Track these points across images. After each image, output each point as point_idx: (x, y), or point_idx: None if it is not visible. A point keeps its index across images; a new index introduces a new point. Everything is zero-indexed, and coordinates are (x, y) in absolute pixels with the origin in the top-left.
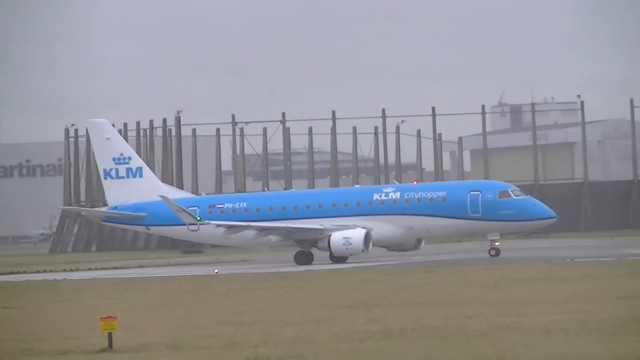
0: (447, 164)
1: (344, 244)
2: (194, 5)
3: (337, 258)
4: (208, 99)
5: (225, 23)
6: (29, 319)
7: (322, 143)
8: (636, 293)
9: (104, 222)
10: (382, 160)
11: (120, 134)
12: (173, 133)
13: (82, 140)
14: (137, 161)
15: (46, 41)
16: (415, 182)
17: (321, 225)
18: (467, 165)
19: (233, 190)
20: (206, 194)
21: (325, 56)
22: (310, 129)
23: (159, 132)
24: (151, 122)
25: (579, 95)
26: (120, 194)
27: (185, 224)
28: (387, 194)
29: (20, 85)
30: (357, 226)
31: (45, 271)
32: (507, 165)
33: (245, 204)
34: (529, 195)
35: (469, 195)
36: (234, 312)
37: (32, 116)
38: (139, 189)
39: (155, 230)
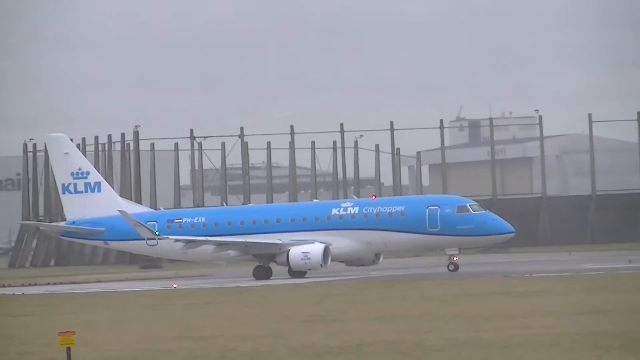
0: (405, 179)
1: (302, 259)
2: (150, 20)
3: (296, 273)
4: (166, 114)
5: (182, 37)
6: None
7: (281, 158)
8: (594, 308)
9: (62, 237)
10: (340, 175)
11: (79, 149)
12: (131, 148)
13: (40, 155)
14: (95, 176)
15: (1, 52)
16: (373, 197)
17: (280, 240)
18: (425, 180)
19: (191, 205)
20: (164, 209)
21: (283, 70)
22: (269, 143)
23: (117, 146)
24: (109, 136)
25: (537, 110)
26: (79, 208)
27: (143, 239)
28: (345, 209)
29: None
30: (315, 241)
31: (3, 286)
32: (466, 179)
33: (203, 219)
34: (488, 210)
35: (427, 210)
36: (193, 327)
37: None
38: (97, 203)
39: (114, 245)
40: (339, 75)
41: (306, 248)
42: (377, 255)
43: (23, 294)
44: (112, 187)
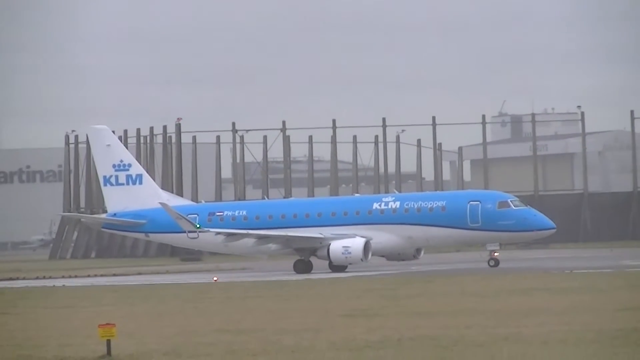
0: (447, 174)
1: (343, 253)
2: (193, 14)
3: (336, 267)
4: (208, 107)
5: (226, 32)
6: (28, 326)
7: (322, 151)
8: (635, 305)
9: (103, 229)
10: (382, 170)
11: (121, 141)
12: (173, 140)
13: (82, 147)
14: (137, 168)
15: (46, 48)
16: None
17: (320, 234)
18: (467, 175)
19: (233, 198)
20: (206, 202)
21: (326, 65)
22: (311, 137)
23: (159, 139)
24: (151, 129)
25: (579, 106)
26: (120, 200)
27: (184, 232)
28: (386, 203)
29: (21, 92)
30: (356, 235)
31: (44, 277)
32: (507, 175)
33: (244, 212)
34: (529, 206)
35: (468, 205)
36: (233, 320)
37: (32, 122)
38: (139, 196)
39: (155, 237)
40: (381, 70)
41: (347, 242)
42: (418, 250)
43: (64, 285)
44: (154, 180)
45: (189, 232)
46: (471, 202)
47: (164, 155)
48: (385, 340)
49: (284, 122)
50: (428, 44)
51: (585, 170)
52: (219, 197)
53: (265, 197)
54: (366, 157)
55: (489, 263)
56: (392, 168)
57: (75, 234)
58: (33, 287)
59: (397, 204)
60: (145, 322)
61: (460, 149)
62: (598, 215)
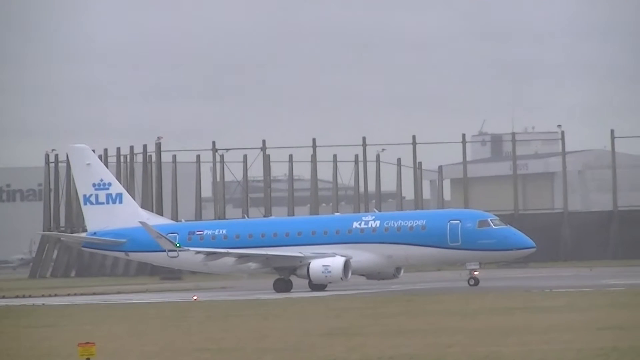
0: (427, 193)
1: (323, 272)
2: (173, 31)
3: (316, 286)
4: (188, 126)
5: (201, 49)
6: (8, 345)
7: (303, 170)
8: (615, 324)
9: (83, 248)
10: (362, 189)
11: (101, 160)
12: (153, 159)
13: (62, 166)
14: (117, 187)
15: (25, 66)
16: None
17: (300, 253)
18: (447, 194)
19: (213, 217)
20: (186, 221)
21: (305, 84)
22: (291, 156)
23: (139, 158)
24: (131, 148)
25: (559, 125)
26: (100, 219)
27: (164, 251)
28: (366, 222)
29: (0, 111)
30: (336, 254)
31: (24, 296)
32: (487, 194)
33: (224, 231)
34: (509, 225)
35: (448, 224)
36: (213, 339)
37: (12, 141)
38: (119, 215)
39: (135, 256)
40: (361, 89)
41: (327, 261)
42: (398, 269)
43: (44, 304)
44: (134, 199)
45: (169, 251)
46: (451, 221)
47: (144, 174)
48: (366, 359)
49: (264, 141)
50: (408, 62)
51: (565, 189)
52: (199, 216)
53: (245, 216)
54: (346, 176)
55: (469, 282)
56: (372, 187)
57: (56, 252)
58: (13, 306)
59: (377, 223)
60: (126, 341)
61: (440, 168)
62: (578, 234)
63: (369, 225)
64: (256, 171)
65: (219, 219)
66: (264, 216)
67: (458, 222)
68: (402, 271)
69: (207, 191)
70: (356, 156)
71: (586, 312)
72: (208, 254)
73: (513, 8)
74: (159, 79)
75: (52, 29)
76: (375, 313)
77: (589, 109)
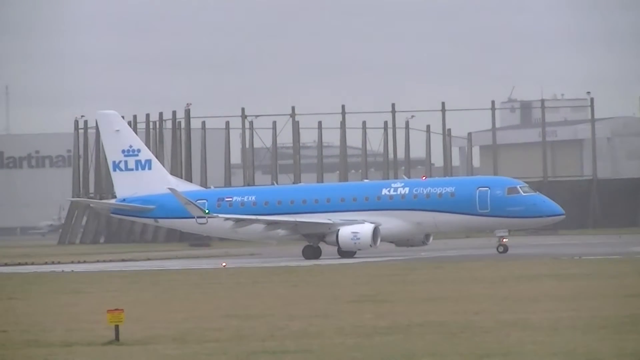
0: (456, 160)
1: (352, 239)
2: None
3: (345, 253)
4: (218, 93)
5: (227, 17)
6: (36, 310)
7: (332, 137)
8: None
9: (112, 214)
10: (391, 155)
11: (130, 126)
12: (182, 126)
13: (91, 132)
14: (146, 153)
15: (55, 34)
16: (424, 178)
17: (329, 219)
18: (476, 161)
19: (242, 184)
20: (215, 187)
21: (335, 51)
22: (320, 123)
23: (168, 124)
24: (160, 114)
25: (588, 92)
26: (129, 186)
27: (193, 217)
28: (395, 189)
29: (30, 78)
30: (365, 221)
31: (53, 263)
32: (516, 161)
33: (253, 198)
34: (538, 192)
35: (477, 192)
36: (241, 306)
37: (41, 107)
38: (148, 181)
39: (164, 222)
40: (390, 57)
41: (356, 228)
42: (427, 236)
43: (72, 271)
44: (163, 165)
45: (198, 217)
46: (480, 188)
47: (173, 141)
48: (394, 326)
49: (293, 108)
50: (437, 32)
51: (594, 156)
52: (228, 183)
53: (275, 182)
54: (375, 143)
55: (497, 249)
56: (401, 154)
57: (85, 219)
58: (42, 272)
59: (406, 189)
60: (154, 308)
61: (469, 134)
62: (607, 202)
63: (398, 192)
64: (285, 138)
65: (248, 185)
66: (293, 183)
67: (487, 189)
68: (431, 238)
69: (236, 158)
70: (385, 123)
71: (614, 279)
72: (237, 220)
73: None
74: (186, 48)
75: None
76: (404, 280)
77: (617, 76)
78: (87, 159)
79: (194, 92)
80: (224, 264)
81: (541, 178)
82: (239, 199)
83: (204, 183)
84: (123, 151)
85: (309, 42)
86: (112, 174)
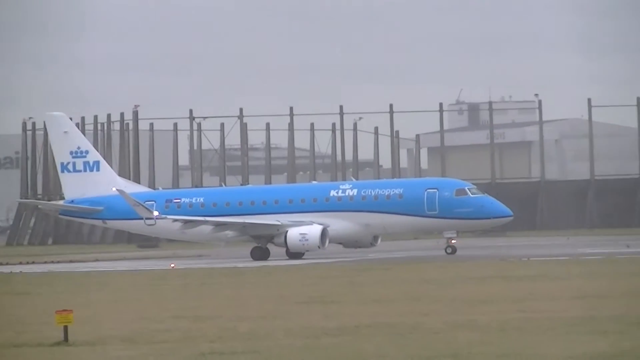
0: (404, 162)
1: (300, 240)
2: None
3: (294, 254)
4: (165, 94)
5: (179, 18)
6: None
7: (280, 139)
8: (591, 292)
9: (60, 216)
10: (339, 157)
11: (78, 128)
12: (130, 127)
13: (39, 134)
14: (94, 155)
15: (3, 34)
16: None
17: (278, 221)
18: (424, 163)
19: (190, 185)
20: (163, 189)
21: (283, 53)
22: (268, 124)
23: (116, 126)
24: (109, 116)
25: (536, 94)
26: (77, 187)
27: (142, 218)
28: (344, 191)
29: None
30: (313, 222)
31: (1, 264)
32: (465, 163)
33: (202, 199)
34: (486, 194)
35: (426, 193)
36: (190, 307)
37: None
38: (96, 182)
39: (112, 224)
40: (338, 58)
41: (304, 229)
42: (375, 238)
43: (21, 272)
44: (111, 167)
45: (146, 219)
46: (428, 190)
47: (121, 142)
48: (343, 327)
49: (241, 109)
50: (384, 31)
51: (542, 158)
52: (176, 184)
53: (223, 184)
54: (323, 144)
55: (446, 251)
56: (349, 156)
57: (33, 220)
58: None
59: (355, 191)
60: (102, 309)
61: (417, 136)
62: (555, 203)
63: (347, 194)
64: (233, 139)
65: (196, 187)
66: (241, 184)
67: (435, 190)
68: (379, 240)
69: (184, 159)
70: (333, 125)
71: (562, 280)
72: (185, 221)
73: None
74: (134, 49)
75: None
76: (352, 281)
77: (565, 78)
78: (35, 161)
79: (142, 94)
80: (172, 265)
81: (489, 180)
82: (187, 200)
83: (152, 184)
84: (71, 153)
85: (256, 43)
86: (60, 175)
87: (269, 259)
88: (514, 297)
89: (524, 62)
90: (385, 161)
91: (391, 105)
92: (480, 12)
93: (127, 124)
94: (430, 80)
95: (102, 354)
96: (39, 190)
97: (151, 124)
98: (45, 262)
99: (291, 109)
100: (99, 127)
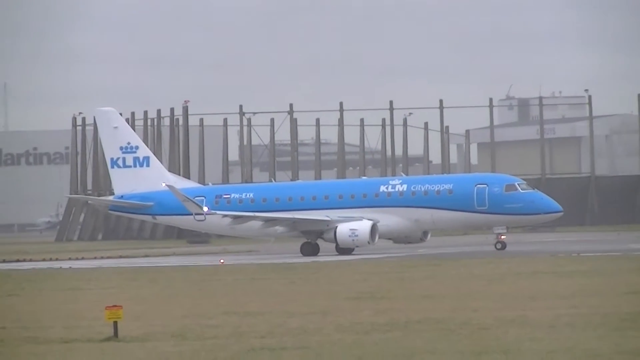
0: (454, 157)
1: (350, 236)
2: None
3: (343, 250)
4: (216, 90)
5: (232, 16)
6: (35, 307)
7: (330, 134)
8: None
9: (110, 211)
10: (389, 153)
11: (128, 123)
12: (180, 123)
13: (89, 129)
14: (144, 150)
15: (52, 32)
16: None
17: (327, 216)
18: (474, 159)
19: (240, 181)
20: (213, 184)
21: (333, 49)
22: (318, 120)
23: (166, 121)
24: (159, 111)
25: (586, 90)
26: (127, 183)
27: (191, 214)
28: (393, 186)
29: (28, 75)
30: (363, 218)
31: (51, 259)
32: (514, 158)
33: (251, 195)
34: (536, 189)
35: (475, 188)
36: (240, 303)
37: (40, 105)
38: (146, 178)
39: (162, 219)
40: (389, 54)
41: (354, 225)
42: (425, 233)
43: (70, 268)
44: (161, 162)
45: (196, 214)
46: (478, 185)
47: (171, 138)
48: (392, 323)
49: (291, 105)
50: (434, 29)
51: (592, 153)
52: (226, 180)
53: (272, 179)
54: (373, 140)
55: (495, 246)
56: (399, 151)
57: (82, 216)
58: (40, 269)
59: (404, 186)
60: (152, 305)
61: (467, 132)
62: (605, 199)
63: (396, 189)
64: (283, 135)
65: (246, 182)
66: (291, 180)
67: (485, 186)
68: (429, 235)
69: (234, 155)
70: (383, 120)
71: (613, 276)
72: (235, 217)
73: None
74: (184, 46)
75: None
76: (402, 277)
77: (616, 74)
78: (85, 156)
79: (192, 90)
80: (222, 261)
81: (539, 175)
82: (237, 196)
83: (201, 180)
84: (121, 148)
85: (307, 40)
86: (110, 170)
87: (319, 254)
88: (564, 293)
89: (574, 58)
90: (435, 157)
91: (441, 101)
92: (530, 8)
93: (177, 119)
94: (480, 75)
95: (152, 349)
96: (89, 186)
97: (201, 120)
98: (95, 258)
99: (341, 104)
100: (149, 123)
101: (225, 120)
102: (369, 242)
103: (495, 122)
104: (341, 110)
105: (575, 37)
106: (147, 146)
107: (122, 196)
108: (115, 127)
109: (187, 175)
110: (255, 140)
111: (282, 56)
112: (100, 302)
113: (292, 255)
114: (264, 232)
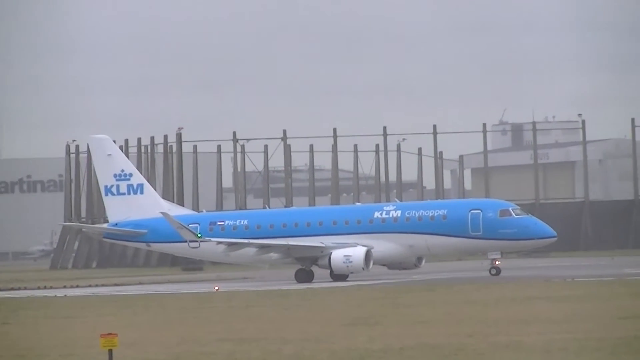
0: (448, 182)
1: (344, 262)
2: (190, 23)
3: (338, 276)
4: (209, 117)
5: (224, 40)
6: (29, 335)
7: (323, 160)
8: (637, 313)
9: (104, 239)
10: (383, 178)
11: (122, 151)
12: (174, 150)
13: (83, 157)
14: (138, 178)
15: (45, 58)
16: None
17: (322, 243)
18: (468, 184)
19: (234, 207)
20: (207, 211)
21: (326, 75)
22: (311, 146)
23: (160, 148)
24: (152, 138)
25: (580, 114)
26: (121, 210)
27: (186, 241)
28: (387, 212)
29: (21, 102)
30: (357, 244)
31: (45, 287)
32: (508, 183)
33: (246, 221)
34: (530, 214)
35: (469, 214)
36: (235, 330)
37: (33, 132)
38: (140, 205)
39: (156, 247)
40: (382, 79)
41: (348, 251)
42: (419, 259)
43: (65, 295)
44: (155, 189)
45: (190, 241)
46: (472, 211)
47: (165, 165)
48: (387, 349)
49: (284, 131)
50: (427, 53)
51: (586, 178)
52: (220, 207)
53: (267, 206)
54: (367, 166)
55: (490, 271)
56: (393, 177)
57: (77, 243)
58: (34, 297)
59: (399, 212)
60: (147, 332)
61: (461, 157)
62: (599, 224)
63: (390, 215)
64: (277, 161)
65: (240, 209)
66: (285, 206)
67: (479, 211)
68: (423, 261)
69: (227, 181)
70: (377, 146)
71: (607, 301)
72: (229, 244)
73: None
74: (179, 71)
75: (71, 19)
76: (397, 303)
77: (609, 98)
78: (78, 184)
79: (185, 116)
80: (216, 288)
81: (533, 200)
82: (231, 222)
83: (195, 207)
84: (115, 175)
85: (299, 65)
86: (104, 198)
87: (313, 281)
88: (559, 318)
89: (567, 82)
90: (429, 182)
91: (434, 126)
92: (522, 34)
93: (171, 146)
94: (473, 100)
95: None
96: (83, 213)
97: (195, 147)
98: (90, 286)
99: (334, 130)
100: (143, 150)
101: (219, 147)
102: (363, 269)
103: (489, 147)
104: (335, 136)
105: (569, 61)
106: (141, 173)
107: (116, 224)
108: (109, 155)
109: (181, 202)
110: (249, 167)
111: (275, 82)
112: (95, 329)
113: (287, 282)
114: (258, 259)
